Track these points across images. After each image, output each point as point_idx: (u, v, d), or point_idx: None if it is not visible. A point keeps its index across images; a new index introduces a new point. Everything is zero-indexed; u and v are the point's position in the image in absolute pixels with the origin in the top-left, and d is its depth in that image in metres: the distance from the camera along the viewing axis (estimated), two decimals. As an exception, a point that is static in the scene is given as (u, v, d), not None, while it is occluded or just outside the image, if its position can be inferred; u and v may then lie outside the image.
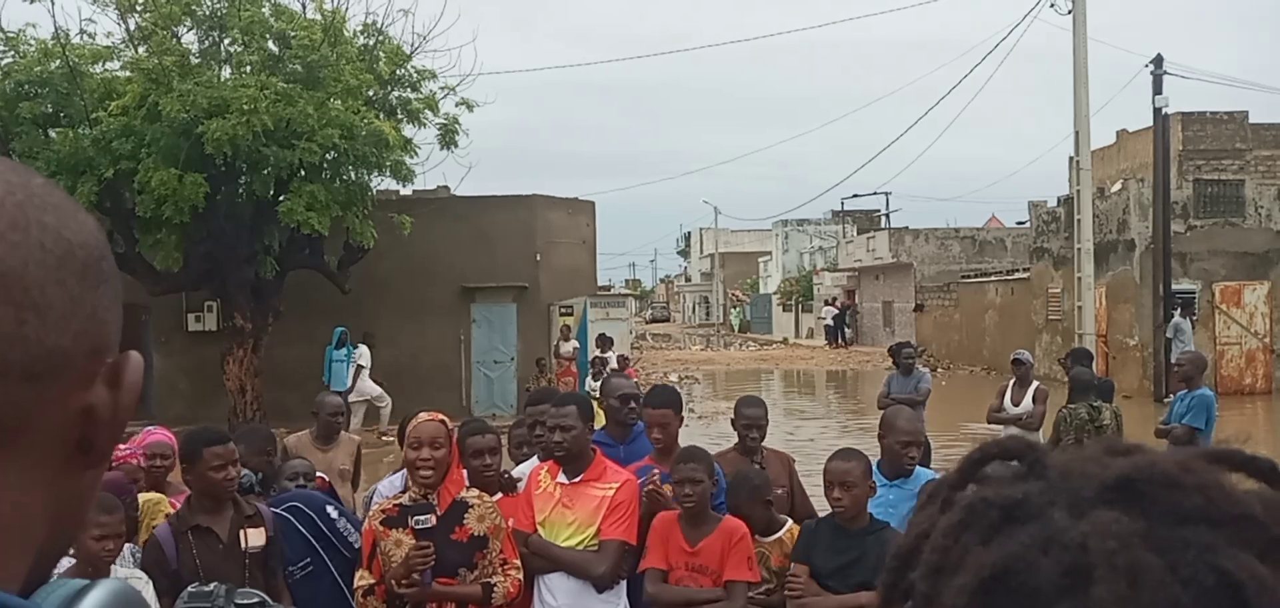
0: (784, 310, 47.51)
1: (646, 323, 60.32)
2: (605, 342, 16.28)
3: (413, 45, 15.62)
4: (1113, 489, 0.54)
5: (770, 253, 56.60)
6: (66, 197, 0.62)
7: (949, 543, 0.55)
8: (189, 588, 1.04)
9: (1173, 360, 17.35)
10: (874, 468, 4.34)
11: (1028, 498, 0.55)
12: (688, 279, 78.10)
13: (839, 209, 50.13)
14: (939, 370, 25.73)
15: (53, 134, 14.47)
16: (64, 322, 0.57)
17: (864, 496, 3.76)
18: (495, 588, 3.64)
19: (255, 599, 1.01)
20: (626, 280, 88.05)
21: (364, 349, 15.82)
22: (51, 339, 0.57)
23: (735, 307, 56.61)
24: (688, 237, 79.12)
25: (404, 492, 3.71)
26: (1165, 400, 17.64)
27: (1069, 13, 16.11)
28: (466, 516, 3.65)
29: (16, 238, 0.56)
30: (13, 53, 14.66)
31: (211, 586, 1.05)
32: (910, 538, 0.59)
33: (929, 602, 0.55)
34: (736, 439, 4.82)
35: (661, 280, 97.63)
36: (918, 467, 4.42)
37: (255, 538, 3.84)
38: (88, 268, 0.60)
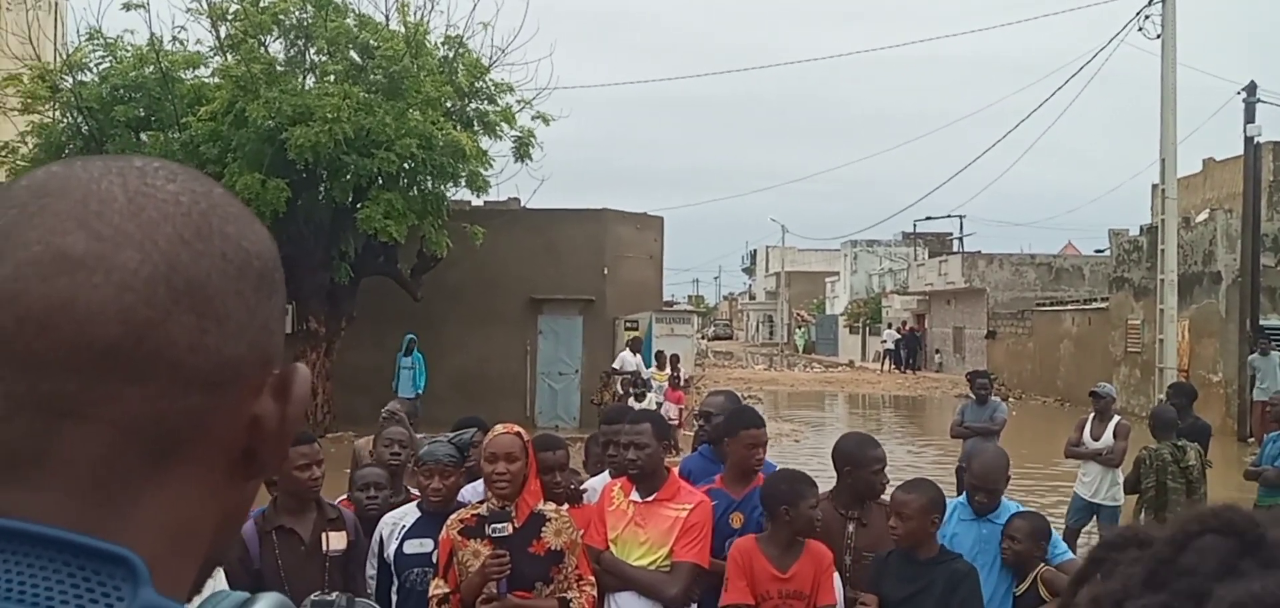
0: (851, 333, 46.91)
1: (709, 340, 60.10)
2: (663, 360, 16.29)
3: (491, 58, 15.88)
4: None
5: (838, 273, 55.98)
6: (244, 207, 0.63)
7: None
8: (312, 597, 1.05)
9: (1255, 398, 16.74)
10: (961, 502, 4.26)
11: (1271, 594, 0.47)
12: (752, 297, 77.66)
13: (910, 231, 49.38)
14: (1011, 400, 25.13)
15: (144, 137, 15.01)
16: (241, 332, 0.58)
17: (921, 528, 3.72)
18: (571, 604, 3.64)
19: (376, 612, 1.01)
20: (689, 297, 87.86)
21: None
22: (229, 349, 0.57)
23: (800, 327, 56.06)
24: (753, 254, 78.73)
25: (482, 502, 3.74)
26: (1248, 439, 17.01)
27: (1158, 37, 15.67)
28: (544, 529, 3.66)
29: (201, 247, 0.57)
30: (111, 58, 15.25)
31: (333, 596, 1.06)
32: None
33: None
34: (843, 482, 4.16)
35: (725, 297, 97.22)
36: (1002, 499, 4.33)
37: (336, 542, 3.90)
38: (263, 278, 0.60)
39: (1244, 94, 18.37)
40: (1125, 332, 23.23)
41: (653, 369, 15.66)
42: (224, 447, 0.59)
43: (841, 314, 50.24)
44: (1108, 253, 26.61)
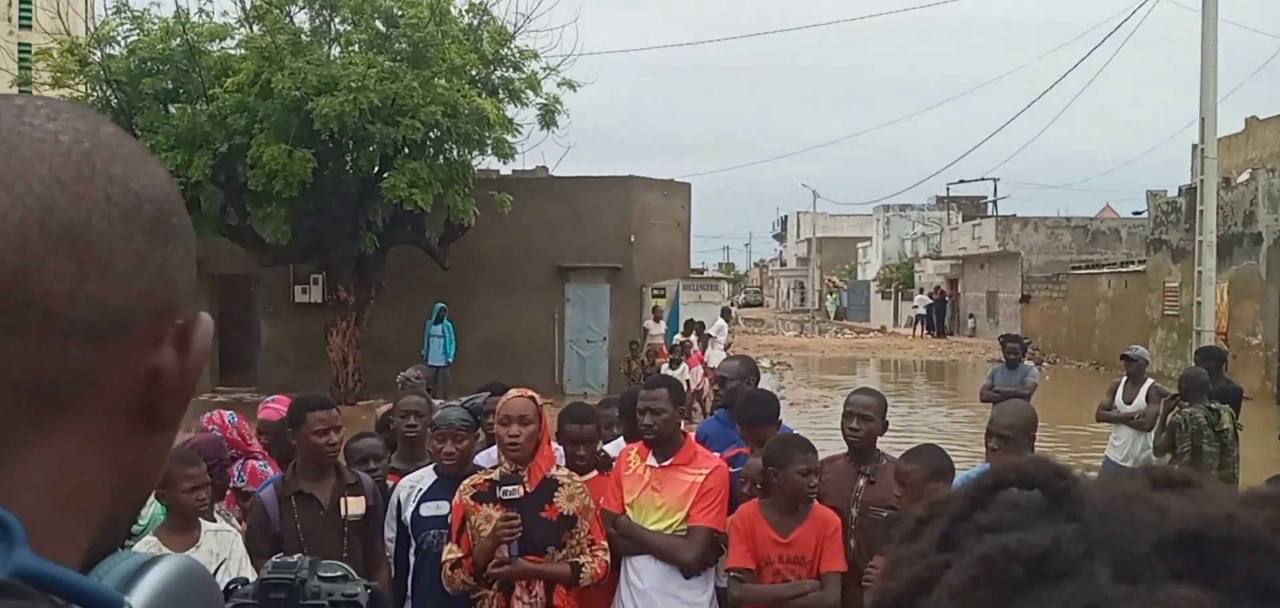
0: (883, 298, 46.56)
1: (739, 307, 60.03)
2: (695, 327, 16.25)
3: (516, 25, 15.82)
4: (1175, 546, 0.41)
5: (870, 239, 55.52)
6: (138, 146, 0.58)
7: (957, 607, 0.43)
8: (273, 560, 1.02)
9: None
10: (986, 467, 4.18)
11: (1059, 549, 0.43)
12: (783, 263, 77.30)
13: (944, 195, 48.81)
14: (1045, 364, 24.83)
15: (172, 110, 15.14)
16: (129, 279, 0.54)
17: (924, 497, 3.62)
18: (583, 569, 3.63)
19: (339, 572, 0.99)
20: (720, 264, 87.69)
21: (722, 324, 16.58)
22: (116, 298, 0.53)
23: (831, 293, 55.74)
24: (784, 220, 78.27)
25: (495, 468, 3.73)
26: (1291, 404, 16.71)
27: (1197, -9, 15.26)
28: (557, 494, 3.65)
29: (81, 189, 0.53)
30: (138, 31, 15.37)
31: (295, 557, 1.04)
32: (902, 583, 0.47)
33: None
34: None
35: (756, 264, 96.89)
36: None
37: (355, 507, 3.92)
38: (157, 222, 0.56)
39: (1287, 49, 17.88)
40: (1162, 294, 22.83)
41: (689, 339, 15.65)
42: (119, 401, 0.55)
43: (873, 280, 49.84)
44: (1145, 215, 26.13)
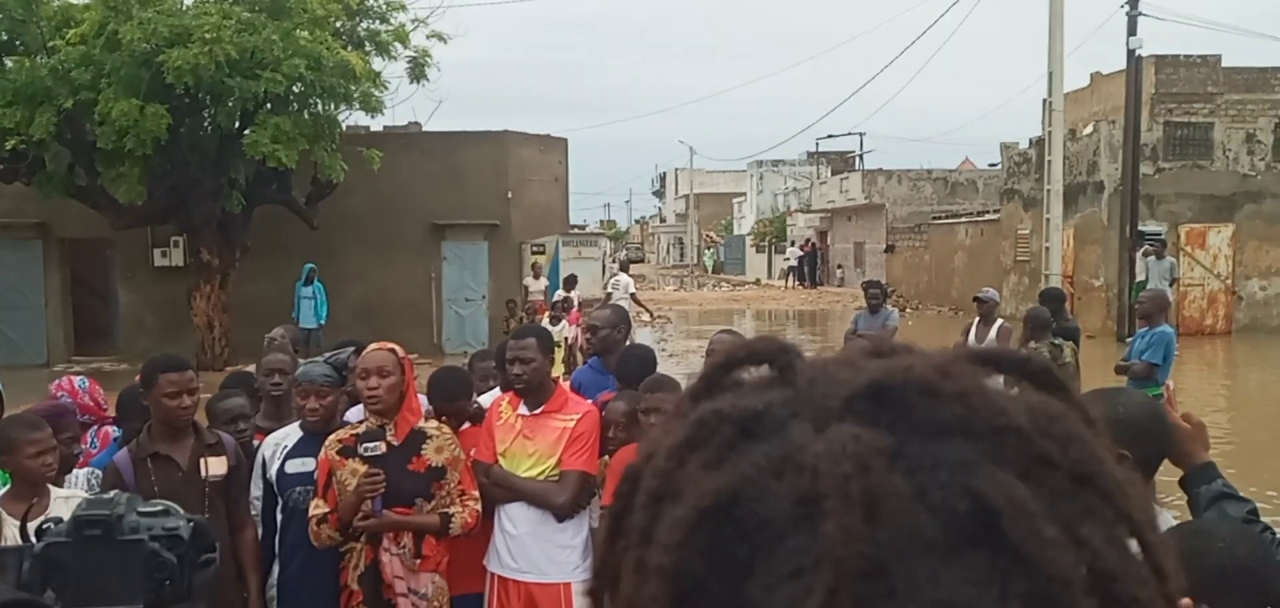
0: (757, 252, 47.58)
1: (622, 264, 60.35)
2: (571, 283, 16.27)
3: (382, -25, 15.33)
4: (863, 398, 0.45)
5: (745, 194, 56.54)
6: None
7: (672, 466, 0.46)
8: (86, 497, 1.03)
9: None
10: None
11: (769, 410, 0.46)
12: (663, 220, 77.89)
13: (813, 151, 50.04)
14: (908, 310, 25.97)
15: (9, 63, 14.12)
16: None
17: None
18: (453, 519, 3.66)
19: (159, 508, 0.99)
20: (601, 221, 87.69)
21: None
22: None
23: (709, 248, 56.62)
24: (663, 177, 78.80)
25: (362, 422, 3.71)
26: (1127, 339, 17.97)
27: (1044, -48, 16.02)
28: (424, 446, 3.65)
29: None
30: (-36, -23, 14.22)
31: (112, 494, 1.04)
32: (640, 460, 0.50)
33: (646, 538, 0.46)
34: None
35: (636, 221, 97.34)
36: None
37: (216, 467, 3.84)
38: None
39: (1126, 7, 19.00)
40: (1015, 241, 24.12)
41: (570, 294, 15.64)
42: None
43: (748, 234, 50.84)
44: (1000, 167, 27.48)
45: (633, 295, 16.24)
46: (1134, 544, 0.45)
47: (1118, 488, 0.45)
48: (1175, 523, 2.08)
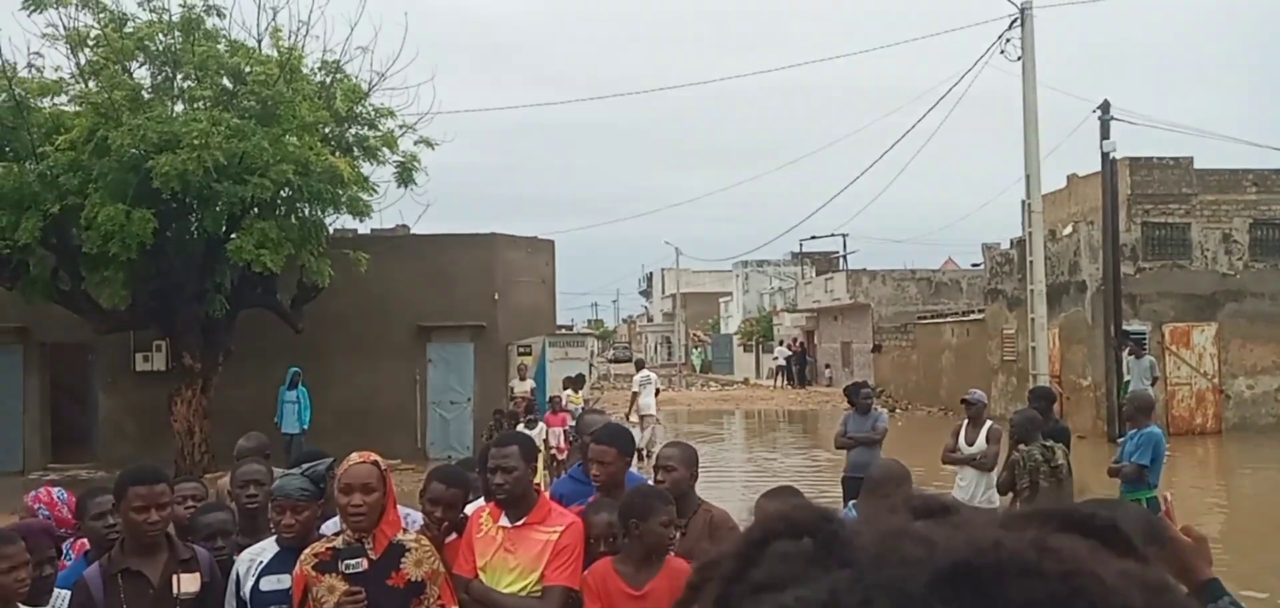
0: (745, 351, 47.64)
1: (609, 362, 60.23)
2: (579, 382, 16.32)
3: (371, 82, 15.57)
4: (948, 582, 0.41)
5: (731, 293, 56.86)
6: None
7: None
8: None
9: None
10: (850, 511, 4.31)
11: (838, 600, 0.42)
12: (650, 319, 78.15)
13: (797, 251, 50.53)
14: (897, 411, 25.89)
15: (-3, 169, 14.17)
16: None
17: None
18: (432, 635, 3.53)
19: None
20: (589, 321, 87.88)
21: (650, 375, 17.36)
22: None
23: (696, 347, 56.66)
24: (650, 277, 79.28)
25: (338, 534, 3.60)
26: (1118, 440, 17.88)
27: (1019, 59, 16.44)
28: (403, 560, 3.54)
29: None
30: (-43, 85, 14.36)
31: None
32: None
33: None
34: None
35: (624, 320, 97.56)
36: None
37: (188, 584, 3.71)
38: None
39: (1099, 112, 19.44)
40: (1001, 341, 24.22)
41: (568, 394, 15.56)
42: None
43: (736, 333, 50.97)
44: (982, 267, 27.76)
45: (657, 391, 16.45)
46: None
47: None
48: None
